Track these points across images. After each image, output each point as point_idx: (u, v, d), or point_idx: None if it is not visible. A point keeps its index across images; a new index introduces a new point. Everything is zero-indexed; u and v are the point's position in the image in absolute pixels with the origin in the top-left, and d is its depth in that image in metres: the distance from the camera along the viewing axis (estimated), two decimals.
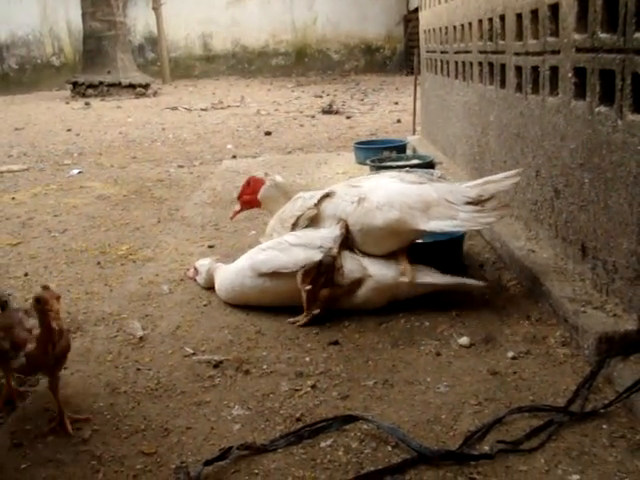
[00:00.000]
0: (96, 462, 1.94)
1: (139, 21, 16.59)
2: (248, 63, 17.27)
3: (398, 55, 17.16)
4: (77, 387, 2.38)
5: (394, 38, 17.18)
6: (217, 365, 2.46)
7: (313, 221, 3.02)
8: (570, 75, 2.77)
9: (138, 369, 2.48)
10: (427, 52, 6.26)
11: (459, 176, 4.63)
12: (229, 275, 3.00)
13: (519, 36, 3.42)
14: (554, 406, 2.05)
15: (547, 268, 2.86)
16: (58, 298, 1.99)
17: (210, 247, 3.83)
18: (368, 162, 5.29)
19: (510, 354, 2.42)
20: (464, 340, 2.52)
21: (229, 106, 11.22)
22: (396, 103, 10.65)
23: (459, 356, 2.44)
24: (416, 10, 8.29)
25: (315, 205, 3.03)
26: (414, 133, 6.90)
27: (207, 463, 1.85)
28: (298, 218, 3.05)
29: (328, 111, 10.01)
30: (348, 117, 9.41)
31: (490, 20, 3.94)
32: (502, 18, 3.68)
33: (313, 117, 9.69)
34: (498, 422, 1.99)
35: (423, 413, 2.08)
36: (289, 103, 11.39)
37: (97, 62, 13.45)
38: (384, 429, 1.97)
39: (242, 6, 17.09)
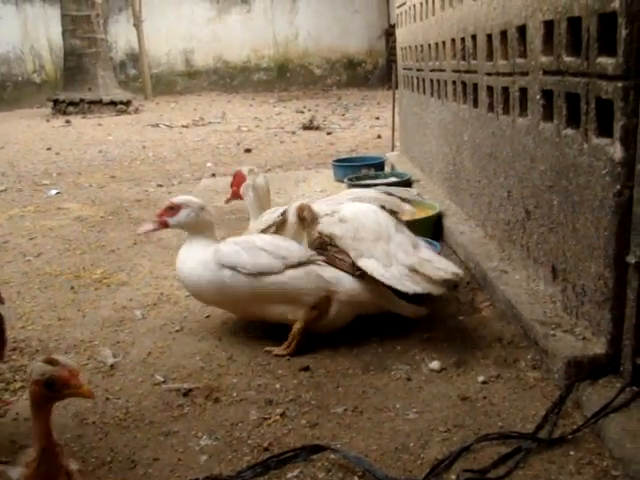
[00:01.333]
0: None
1: (120, 38, 16.59)
2: (230, 78, 17.30)
3: (380, 69, 17.25)
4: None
5: (376, 52, 17.27)
6: (186, 393, 2.45)
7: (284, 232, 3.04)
8: (538, 97, 2.79)
9: (107, 398, 2.46)
10: (404, 69, 6.29)
11: (436, 194, 4.65)
12: (195, 265, 2.88)
13: (490, 56, 3.44)
14: (522, 433, 2.05)
15: (519, 290, 2.87)
16: None
17: None
18: (346, 180, 5.31)
19: (480, 378, 2.42)
20: (435, 364, 2.52)
21: (210, 122, 11.23)
22: (377, 118, 10.69)
23: (430, 381, 2.44)
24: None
25: (281, 215, 3.04)
26: (393, 149, 6.93)
27: None
28: (269, 227, 3.07)
29: (309, 127, 10.03)
30: (329, 133, 9.43)
31: (462, 40, 3.96)
32: (474, 38, 3.71)
33: (294, 133, 9.71)
34: (465, 450, 1.99)
35: (391, 441, 2.08)
36: (270, 119, 11.41)
37: (78, 79, 13.43)
38: (350, 459, 1.97)
39: (223, 22, 17.14)
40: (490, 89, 3.47)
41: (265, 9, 17.15)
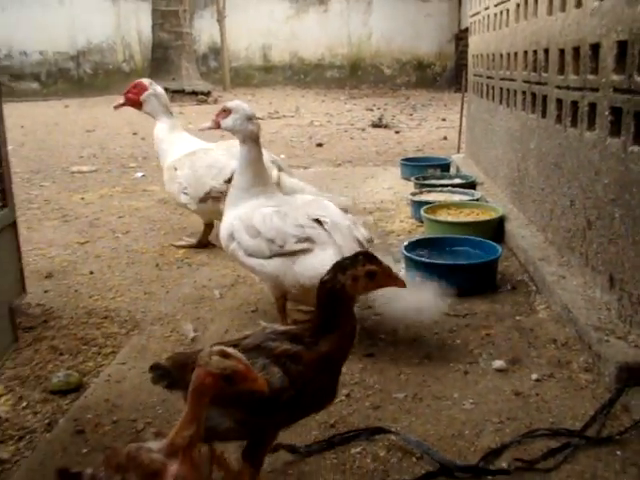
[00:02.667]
0: None
1: (204, 32, 16.86)
2: (304, 74, 17.41)
3: (448, 72, 17.09)
4: (133, 381, 2.49)
5: (445, 55, 17.12)
6: None
7: None
8: (607, 113, 2.80)
9: None
10: (474, 75, 6.28)
11: (499, 198, 4.67)
12: (225, 221, 2.94)
13: (561, 70, 3.45)
14: (571, 430, 2.10)
15: (576, 295, 2.89)
16: None
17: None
18: (413, 179, 5.36)
19: (534, 376, 2.46)
20: (495, 363, 2.56)
21: (284, 116, 11.36)
22: (444, 119, 10.65)
23: (486, 375, 2.50)
24: (467, 29, 8.22)
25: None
26: (459, 151, 6.93)
27: None
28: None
29: (378, 125, 10.07)
30: (397, 132, 9.46)
31: (535, 52, 3.97)
32: (546, 52, 3.71)
33: (363, 130, 9.76)
34: (517, 441, 2.05)
35: (448, 428, 2.15)
36: (341, 115, 11.48)
37: (163, 70, 13.74)
38: (410, 443, 2.05)
39: (301, 20, 17.24)
40: (559, 102, 3.47)
41: (341, 10, 17.18)
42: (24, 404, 2.37)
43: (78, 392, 2.45)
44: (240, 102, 3.08)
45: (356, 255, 1.65)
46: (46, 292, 3.36)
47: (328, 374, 1.62)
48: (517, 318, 2.99)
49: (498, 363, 2.55)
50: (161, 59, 13.88)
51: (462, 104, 7.30)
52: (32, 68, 16.62)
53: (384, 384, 2.43)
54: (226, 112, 3.00)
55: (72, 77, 17.00)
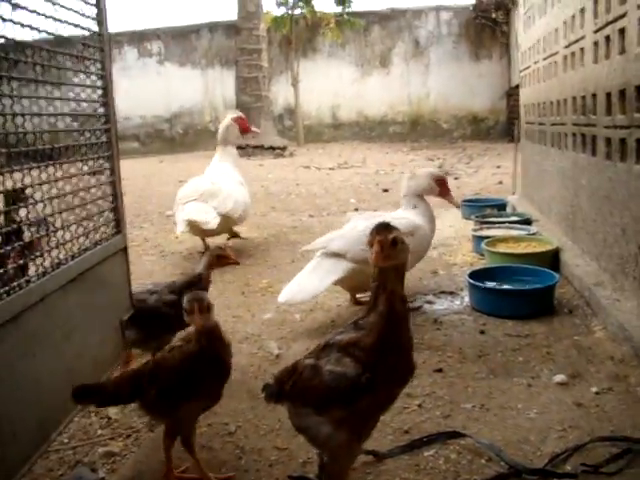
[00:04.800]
0: (239, 451, 2.08)
1: (280, 95, 17.28)
2: (369, 130, 17.58)
3: (500, 125, 16.97)
4: (225, 392, 2.53)
5: (497, 110, 17.02)
6: None
7: None
8: None
9: None
10: (526, 123, 6.23)
11: (554, 232, 4.57)
12: None
13: (608, 111, 3.40)
14: (633, 437, 2.02)
15: (630, 316, 2.80)
16: None
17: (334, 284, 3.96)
18: (473, 217, 5.32)
19: (594, 389, 2.39)
20: (559, 377, 2.49)
21: (352, 166, 11.46)
22: (498, 167, 10.54)
23: (548, 388, 2.43)
24: (517, 86, 8.22)
25: None
26: (514, 193, 6.84)
27: None
28: None
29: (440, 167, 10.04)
30: (456, 178, 9.40)
31: (583, 97, 3.92)
32: (594, 96, 3.67)
33: None
34: (582, 447, 1.98)
35: (514, 434, 2.10)
36: (404, 165, 11.50)
37: None
38: (482, 445, 2.01)
39: (365, 82, 17.49)
40: (608, 140, 3.42)
41: (402, 72, 17.37)
42: (130, 407, 2.43)
43: None
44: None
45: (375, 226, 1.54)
46: None
47: (392, 351, 1.52)
48: (575, 338, 2.91)
49: (559, 377, 2.49)
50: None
51: (515, 151, 7.23)
52: (133, 130, 17.37)
53: (453, 396, 2.40)
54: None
55: (166, 137, 17.67)
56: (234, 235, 5.30)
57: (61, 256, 1.85)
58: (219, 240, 5.18)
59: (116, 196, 2.24)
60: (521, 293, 3.27)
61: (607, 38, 3.42)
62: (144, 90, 17.02)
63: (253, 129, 5.67)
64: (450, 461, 1.96)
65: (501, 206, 5.97)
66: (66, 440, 2.24)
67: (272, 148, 13.92)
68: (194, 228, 4.49)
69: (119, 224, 2.26)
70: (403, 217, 3.45)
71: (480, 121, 17.26)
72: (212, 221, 4.44)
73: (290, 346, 2.98)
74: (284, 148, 14.11)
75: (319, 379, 1.55)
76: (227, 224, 4.81)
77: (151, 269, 4.57)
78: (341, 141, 17.03)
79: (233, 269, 4.45)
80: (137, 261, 4.84)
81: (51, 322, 1.76)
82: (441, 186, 3.34)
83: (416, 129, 17.47)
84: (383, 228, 1.52)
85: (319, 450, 1.68)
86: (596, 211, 3.63)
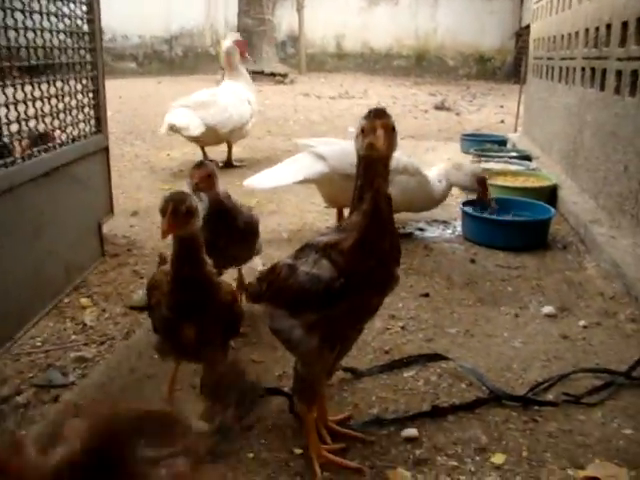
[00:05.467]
0: None
1: (284, 20, 16.72)
2: (374, 62, 17.13)
3: (507, 66, 16.56)
4: None
5: (505, 50, 16.56)
6: None
7: None
8: None
9: None
10: (535, 59, 6.02)
11: (553, 169, 4.45)
12: None
13: (623, 42, 3.24)
14: (616, 370, 1.96)
15: (625, 253, 2.72)
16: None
17: (326, 207, 3.85)
18: (472, 151, 5.18)
19: (582, 323, 2.33)
20: (547, 309, 2.42)
21: (353, 97, 11.19)
22: (501, 106, 10.30)
23: (535, 319, 2.37)
24: (527, 27, 7.93)
25: None
26: (515, 131, 6.68)
27: None
28: None
29: (440, 107, 9.81)
30: (457, 114, 9.20)
31: (597, 29, 3.74)
32: (608, 27, 3.49)
33: (426, 112, 9.52)
34: (564, 377, 1.93)
35: (497, 362, 2.04)
36: (406, 98, 11.24)
37: (247, 52, 13.72)
38: (465, 369, 1.95)
39: (372, 13, 16.92)
40: (619, 73, 3.26)
41: (410, 4, 16.78)
42: (106, 315, 2.36)
43: None
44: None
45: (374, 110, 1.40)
46: (131, 227, 3.36)
47: (373, 255, 1.39)
48: (567, 273, 2.84)
49: (548, 309, 2.42)
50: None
51: (521, 89, 7.03)
52: (131, 50, 16.86)
53: (437, 320, 2.34)
54: None
55: (165, 58, 17.18)
56: (228, 163, 5.16)
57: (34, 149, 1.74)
58: (217, 153, 5.04)
59: (97, 92, 2.10)
60: (515, 224, 3.18)
61: None
62: (143, 8, 16.42)
63: (246, 55, 5.70)
64: (430, 383, 1.90)
65: (501, 142, 5.83)
66: (39, 344, 2.16)
67: (273, 75, 13.56)
68: (179, 133, 4.71)
69: (100, 123, 2.13)
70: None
71: (487, 60, 16.82)
72: (192, 128, 4.58)
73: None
74: (285, 75, 13.75)
75: (294, 279, 1.46)
76: (216, 136, 4.85)
77: (140, 183, 4.45)
78: (344, 72, 16.60)
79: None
80: (127, 175, 4.73)
81: (20, 215, 1.66)
82: (481, 186, 3.15)
83: (421, 64, 17.03)
84: (383, 112, 1.37)
85: (292, 353, 1.58)
86: (599, 148, 3.50)
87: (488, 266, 2.91)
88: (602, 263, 2.87)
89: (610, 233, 3.01)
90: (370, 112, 1.39)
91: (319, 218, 3.69)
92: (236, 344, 2.11)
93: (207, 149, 5.09)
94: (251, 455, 1.57)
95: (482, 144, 5.57)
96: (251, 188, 3.28)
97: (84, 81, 2.03)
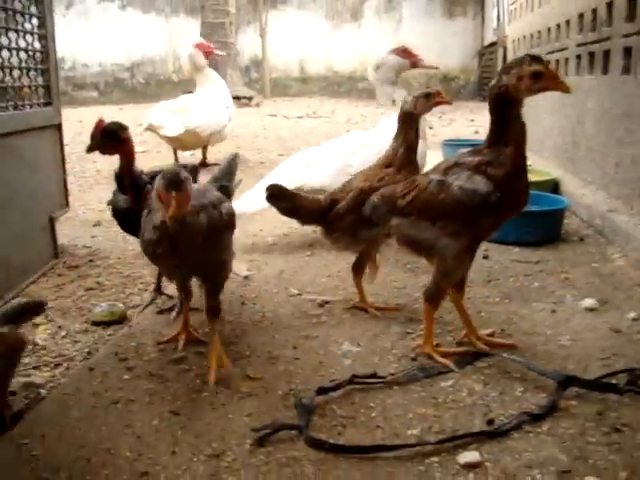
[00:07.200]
0: (200, 381, 1.59)
1: (247, 46, 16.44)
2: (338, 85, 16.93)
3: (471, 85, 16.54)
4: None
5: (469, 70, 16.55)
6: (323, 305, 2.10)
7: None
8: None
9: (243, 303, 2.14)
10: None
11: (548, 168, 4.14)
12: None
13: (630, 17, 2.95)
14: None
15: None
16: None
17: None
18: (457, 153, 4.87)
19: (631, 315, 1.96)
20: (588, 302, 2.06)
21: (321, 116, 10.90)
22: (472, 120, 10.11)
23: (575, 314, 2.00)
24: (490, 45, 7.79)
25: None
26: None
27: (321, 391, 1.47)
28: None
29: None
30: (430, 127, 8.95)
31: (593, 11, 3.46)
32: (609, 5, 3.21)
33: None
34: (632, 370, 1.55)
35: (548, 363, 1.65)
36: (375, 116, 10.99)
37: None
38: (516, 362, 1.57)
39: (335, 36, 16.77)
40: (627, 51, 2.97)
41: (373, 26, 16.72)
42: (63, 333, 1.94)
43: (121, 324, 2.00)
44: None
45: (522, 57, 1.58)
46: (93, 237, 2.93)
47: (522, 177, 1.61)
48: (593, 265, 2.49)
49: (588, 302, 2.05)
50: (209, 67, 13.51)
51: None
52: (92, 78, 16.41)
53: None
54: None
55: (127, 86, 16.74)
56: (203, 163, 5.13)
57: None
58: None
59: (47, 56, 1.69)
60: (529, 216, 2.82)
61: None
62: (104, 37, 16.03)
63: (216, 51, 5.53)
64: (475, 393, 1.50)
65: None
66: None
67: (237, 97, 13.20)
68: (157, 133, 4.84)
69: (50, 93, 1.72)
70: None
71: (451, 80, 16.77)
72: (170, 130, 4.60)
73: (261, 269, 2.49)
74: (250, 98, 13.43)
75: (447, 193, 1.61)
76: (196, 139, 4.87)
77: (102, 196, 4.00)
78: (309, 95, 16.36)
79: None
80: (89, 190, 4.36)
81: None
82: (406, 54, 2.90)
83: None
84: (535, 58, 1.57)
85: (430, 259, 1.71)
86: (607, 134, 3.19)
87: (504, 262, 2.55)
88: (631, 252, 2.52)
89: (634, 221, 2.67)
90: (520, 58, 1.58)
91: None
92: (228, 357, 1.69)
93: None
94: None
95: (465, 147, 5.28)
96: (241, 212, 2.80)
97: (29, 38, 1.62)
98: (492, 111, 1.62)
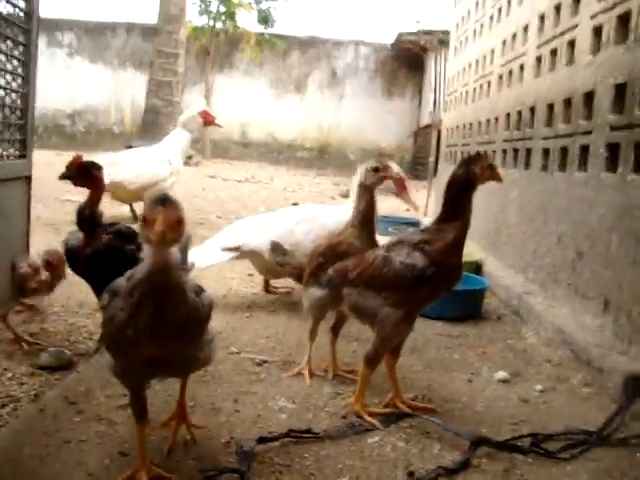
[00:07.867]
0: (148, 428, 1.71)
1: (191, 106, 16.78)
2: (277, 152, 17.38)
3: (406, 163, 17.22)
4: None
5: (404, 149, 17.34)
6: (261, 364, 2.26)
7: None
8: (602, 151, 2.66)
9: None
10: (447, 146, 6.22)
11: (474, 251, 4.46)
12: None
13: (549, 123, 3.34)
14: (588, 430, 1.83)
15: (567, 320, 2.67)
16: None
17: (250, 275, 3.64)
18: (390, 230, 5.17)
19: (538, 387, 2.21)
20: (500, 374, 2.29)
21: (260, 181, 11.18)
22: None
23: (490, 384, 2.23)
24: (426, 127, 8.33)
25: None
26: (425, 215, 6.80)
27: (261, 441, 1.62)
28: None
29: (346, 195, 9.90)
30: None
31: (519, 112, 3.87)
32: (532, 109, 3.61)
33: (333, 198, 9.61)
34: (535, 435, 1.77)
35: (464, 425, 1.85)
36: (311, 186, 11.36)
37: (152, 132, 13.46)
38: (434, 423, 1.76)
39: (279, 105, 17.33)
40: (545, 151, 3.35)
41: (315, 99, 17.39)
42: (9, 375, 2.01)
43: (68, 370, 2.10)
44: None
45: (478, 152, 1.92)
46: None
47: (456, 255, 1.85)
48: (508, 341, 2.76)
49: (502, 374, 2.30)
50: (151, 123, 13.63)
51: (430, 180, 7.31)
52: None
53: (390, 386, 2.13)
54: None
55: (66, 133, 16.69)
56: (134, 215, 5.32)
57: None
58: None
59: (26, 112, 1.85)
60: (452, 293, 3.07)
61: (553, 52, 3.37)
62: (49, 81, 15.99)
63: (217, 122, 5.71)
64: (398, 449, 1.69)
65: (415, 224, 5.88)
66: None
67: None
68: None
69: (25, 147, 1.86)
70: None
71: (387, 156, 17.51)
72: None
73: None
74: (190, 157, 13.59)
75: (389, 267, 1.85)
76: (127, 192, 5.11)
77: (45, 242, 4.06)
78: (248, 160, 16.71)
79: None
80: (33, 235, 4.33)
81: None
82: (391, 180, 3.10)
83: (323, 157, 17.48)
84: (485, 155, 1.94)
85: (373, 326, 1.91)
86: (527, 223, 3.54)
87: (428, 335, 2.77)
88: (542, 331, 2.80)
89: (547, 303, 2.97)
90: (477, 154, 1.94)
91: (243, 284, 3.47)
92: (171, 407, 1.81)
93: None
94: None
95: (396, 225, 5.61)
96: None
97: (11, 98, 1.77)
98: (453, 192, 1.87)
